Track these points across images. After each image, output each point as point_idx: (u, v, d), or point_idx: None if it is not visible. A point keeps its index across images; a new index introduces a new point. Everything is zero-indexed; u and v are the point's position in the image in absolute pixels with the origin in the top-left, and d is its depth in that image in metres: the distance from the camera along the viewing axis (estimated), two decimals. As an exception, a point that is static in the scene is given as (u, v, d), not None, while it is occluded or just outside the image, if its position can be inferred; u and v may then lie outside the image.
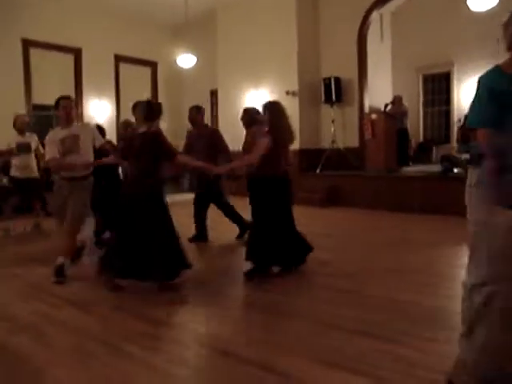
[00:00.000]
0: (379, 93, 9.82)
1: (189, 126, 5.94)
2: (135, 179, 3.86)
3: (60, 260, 4.16)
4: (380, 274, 4.18)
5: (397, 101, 9.50)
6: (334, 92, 9.21)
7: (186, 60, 9.77)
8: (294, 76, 9.50)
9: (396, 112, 9.31)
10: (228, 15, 10.66)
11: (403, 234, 6.00)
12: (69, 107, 4.38)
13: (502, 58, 2.00)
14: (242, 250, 4.33)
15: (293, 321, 3.14)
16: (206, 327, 3.15)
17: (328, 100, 9.36)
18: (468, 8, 7.29)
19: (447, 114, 11.74)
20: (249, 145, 4.65)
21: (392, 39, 11.15)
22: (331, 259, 4.69)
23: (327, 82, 9.30)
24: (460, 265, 3.80)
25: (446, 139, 11.52)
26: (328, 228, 6.61)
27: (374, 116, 8.41)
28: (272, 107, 4.19)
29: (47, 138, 4.43)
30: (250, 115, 5.19)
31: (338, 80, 9.25)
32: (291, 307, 3.41)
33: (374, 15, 9.27)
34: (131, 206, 3.77)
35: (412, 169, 9.03)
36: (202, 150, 5.31)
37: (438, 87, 11.89)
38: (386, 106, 9.37)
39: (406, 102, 9.90)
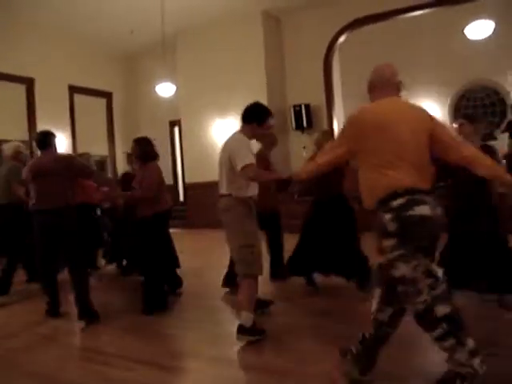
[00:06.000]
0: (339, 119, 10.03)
1: None
2: None
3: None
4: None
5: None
6: (305, 118, 9.30)
7: (165, 88, 9.24)
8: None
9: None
10: (188, 43, 10.56)
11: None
12: None
13: None
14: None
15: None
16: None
17: (299, 127, 9.42)
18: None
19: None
20: None
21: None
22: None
23: (298, 109, 9.40)
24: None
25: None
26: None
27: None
28: None
29: None
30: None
31: (307, 106, 9.37)
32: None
33: (339, 43, 9.59)
34: None
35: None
36: None
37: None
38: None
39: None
